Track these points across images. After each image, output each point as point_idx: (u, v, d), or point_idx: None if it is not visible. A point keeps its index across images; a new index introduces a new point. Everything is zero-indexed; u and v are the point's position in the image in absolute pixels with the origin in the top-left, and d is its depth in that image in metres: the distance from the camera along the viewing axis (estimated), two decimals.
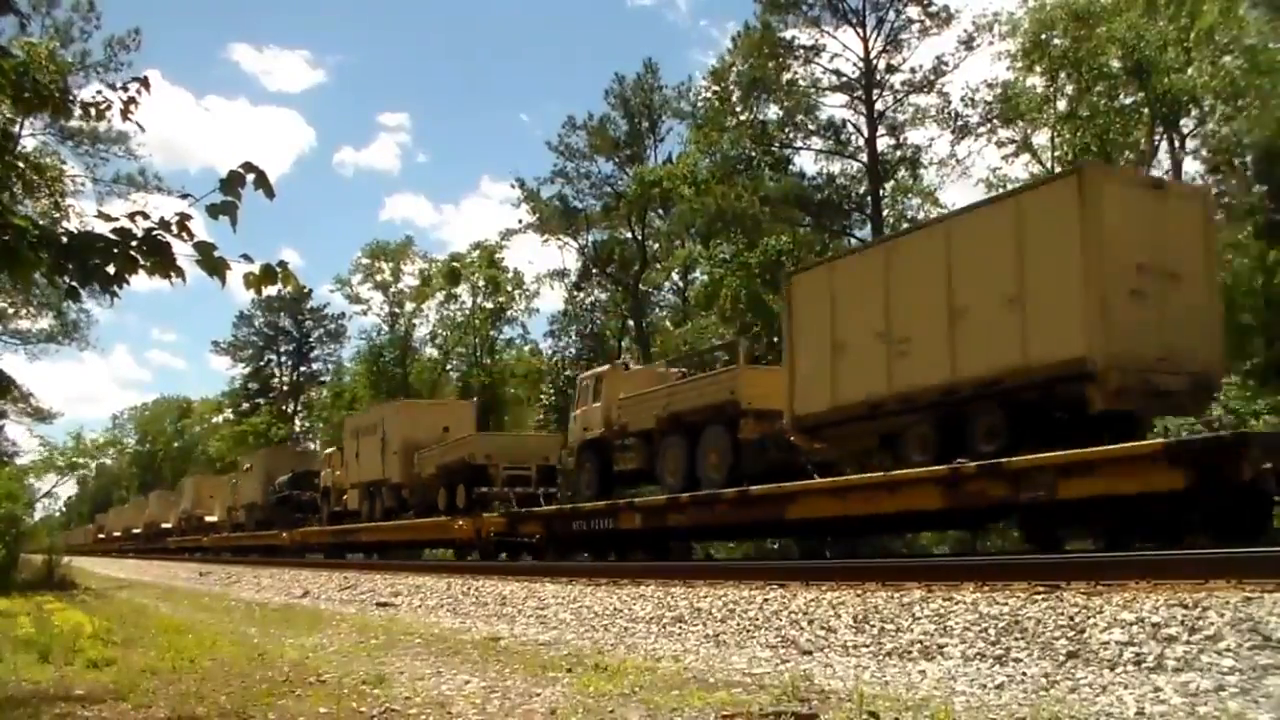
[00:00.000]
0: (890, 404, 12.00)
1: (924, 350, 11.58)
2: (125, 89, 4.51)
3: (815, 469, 13.75)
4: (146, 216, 4.07)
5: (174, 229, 4.05)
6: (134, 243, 4.03)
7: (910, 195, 36.51)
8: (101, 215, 4.15)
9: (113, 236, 4.03)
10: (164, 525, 44.94)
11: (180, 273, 4.11)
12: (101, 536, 56.76)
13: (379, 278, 55.82)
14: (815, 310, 13.44)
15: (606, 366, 20.05)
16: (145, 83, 4.53)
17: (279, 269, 4.12)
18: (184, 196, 4.10)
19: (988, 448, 10.53)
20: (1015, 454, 9.69)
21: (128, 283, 4.12)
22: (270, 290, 4.32)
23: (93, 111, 4.66)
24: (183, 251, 4.07)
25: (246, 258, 4.06)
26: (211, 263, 4.01)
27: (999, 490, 9.64)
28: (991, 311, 10.83)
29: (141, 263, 4.07)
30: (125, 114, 4.53)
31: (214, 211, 3.97)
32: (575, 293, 46.23)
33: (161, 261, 4.06)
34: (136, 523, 49.31)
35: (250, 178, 3.98)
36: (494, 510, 19.90)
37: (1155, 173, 28.14)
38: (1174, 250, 10.60)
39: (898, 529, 16.32)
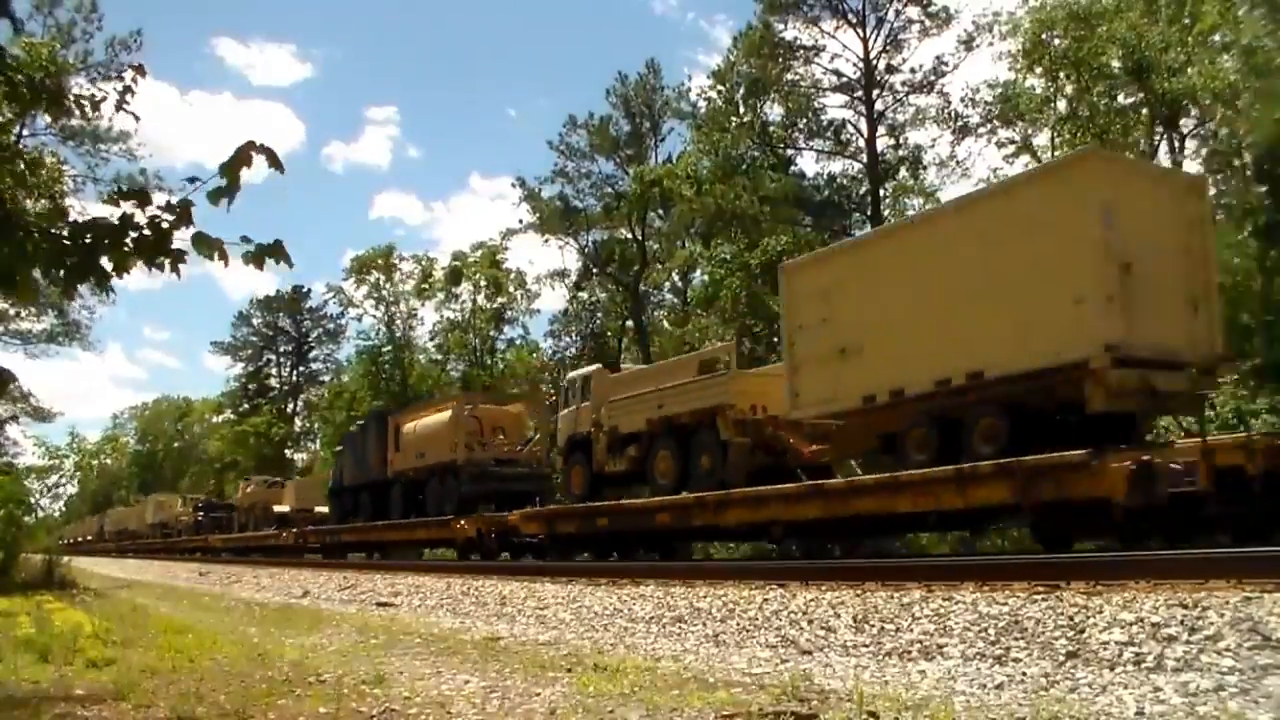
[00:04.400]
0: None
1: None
2: (120, 78, 4.52)
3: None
4: (150, 201, 4.08)
5: (174, 216, 4.07)
6: (135, 233, 4.04)
7: (911, 195, 36.56)
8: (109, 199, 4.16)
9: (116, 223, 4.04)
10: (88, 537, 64.58)
11: (180, 259, 4.12)
12: (62, 542, 71.66)
13: (372, 278, 55.48)
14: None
15: None
16: (140, 70, 4.53)
17: (274, 245, 4.16)
18: (191, 180, 4.10)
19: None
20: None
21: (126, 273, 4.14)
22: (269, 269, 4.36)
23: (88, 105, 4.65)
24: (180, 239, 4.10)
25: (245, 239, 4.10)
26: (209, 245, 4.03)
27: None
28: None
29: (135, 254, 4.08)
30: (120, 104, 4.53)
31: (215, 196, 3.98)
32: (576, 293, 46.31)
33: (159, 251, 4.07)
34: (87, 531, 67.80)
35: (260, 158, 3.99)
36: None
37: None
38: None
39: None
